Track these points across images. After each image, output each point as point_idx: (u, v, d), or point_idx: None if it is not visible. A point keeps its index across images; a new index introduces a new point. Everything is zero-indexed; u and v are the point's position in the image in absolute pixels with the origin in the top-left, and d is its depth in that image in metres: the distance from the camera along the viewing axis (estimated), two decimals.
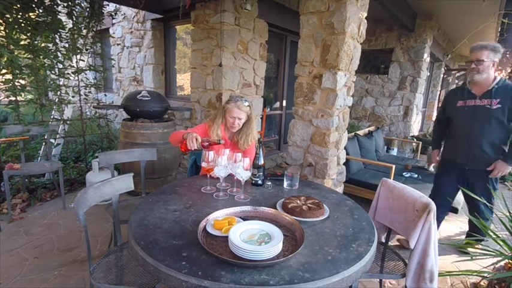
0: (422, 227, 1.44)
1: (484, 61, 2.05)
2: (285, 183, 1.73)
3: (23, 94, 3.25)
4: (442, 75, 8.34)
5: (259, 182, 1.71)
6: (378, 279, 1.99)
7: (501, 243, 1.89)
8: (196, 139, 1.68)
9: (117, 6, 4.54)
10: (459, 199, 3.04)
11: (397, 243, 2.59)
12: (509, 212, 1.98)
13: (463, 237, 2.81)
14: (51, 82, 3.51)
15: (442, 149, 2.56)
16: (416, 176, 3.59)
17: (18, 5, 2.99)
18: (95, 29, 3.86)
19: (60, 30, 3.41)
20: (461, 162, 2.31)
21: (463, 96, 2.22)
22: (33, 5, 3.15)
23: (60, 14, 3.42)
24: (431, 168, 3.42)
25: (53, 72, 3.47)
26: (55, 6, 3.33)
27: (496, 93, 2.08)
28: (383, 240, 1.75)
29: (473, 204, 2.32)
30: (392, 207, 1.67)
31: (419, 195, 1.54)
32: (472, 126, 2.20)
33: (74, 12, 3.52)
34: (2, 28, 2.96)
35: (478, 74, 2.08)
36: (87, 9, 3.69)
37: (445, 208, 2.49)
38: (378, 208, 1.75)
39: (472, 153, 2.22)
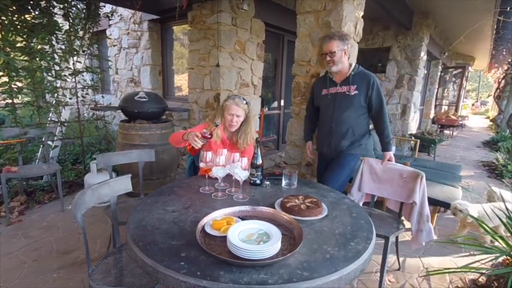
0: (419, 189, 1.98)
1: (336, 52, 2.01)
2: (284, 183, 1.73)
3: (19, 96, 3.23)
4: (439, 73, 8.37)
5: (258, 181, 1.71)
6: (378, 278, 2.00)
7: (499, 239, 1.90)
8: (197, 136, 1.68)
9: (114, 7, 4.54)
10: (458, 197, 3.05)
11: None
12: (507, 209, 1.99)
13: (462, 234, 2.82)
14: (48, 84, 3.50)
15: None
16: None
17: (14, 7, 2.98)
18: (91, 31, 3.85)
19: (56, 32, 3.39)
20: (326, 152, 2.28)
21: (326, 85, 2.20)
22: (29, 7, 3.13)
23: (56, 15, 3.41)
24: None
25: (49, 74, 3.45)
26: (51, 8, 3.31)
27: (353, 79, 2.08)
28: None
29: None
30: (376, 179, 2.17)
31: (402, 167, 2.10)
32: (333, 114, 2.16)
33: (70, 13, 3.51)
34: None
35: (334, 65, 2.05)
36: (84, 11, 3.68)
37: None
38: (362, 182, 2.20)
39: (334, 141, 2.20)
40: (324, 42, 2.07)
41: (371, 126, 2.27)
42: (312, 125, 2.44)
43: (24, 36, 3.12)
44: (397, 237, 2.26)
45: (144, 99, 3.21)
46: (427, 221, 2.04)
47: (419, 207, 2.02)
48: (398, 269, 2.25)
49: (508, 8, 3.72)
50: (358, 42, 2.63)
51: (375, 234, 1.23)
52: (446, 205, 2.69)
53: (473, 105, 21.75)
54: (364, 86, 2.06)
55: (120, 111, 3.36)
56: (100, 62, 5.04)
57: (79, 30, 3.71)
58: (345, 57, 2.07)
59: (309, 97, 2.42)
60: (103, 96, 4.73)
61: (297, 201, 1.41)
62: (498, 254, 1.85)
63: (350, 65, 2.13)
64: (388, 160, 2.15)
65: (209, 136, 1.70)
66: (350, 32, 2.43)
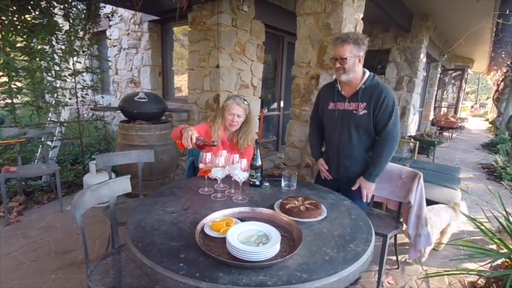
0: (417, 189, 1.97)
1: (348, 59, 1.67)
2: (283, 184, 1.73)
3: (19, 96, 3.23)
4: (438, 75, 8.39)
5: (257, 183, 1.71)
6: (376, 280, 2.00)
7: (498, 242, 1.91)
8: (191, 138, 1.66)
9: (114, 8, 4.54)
10: (457, 199, 3.05)
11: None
12: (506, 211, 2.00)
13: (462, 236, 2.83)
14: (48, 84, 3.49)
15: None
16: None
17: (14, 7, 2.98)
18: (91, 31, 3.85)
19: (56, 32, 3.39)
20: (336, 176, 1.92)
21: (334, 98, 1.84)
22: (30, 7, 3.13)
23: (56, 16, 3.41)
24: None
25: (49, 74, 3.45)
26: (51, 8, 3.31)
27: (363, 95, 1.72)
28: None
29: None
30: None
31: (400, 167, 2.10)
32: (341, 135, 1.81)
33: (70, 14, 3.51)
34: None
35: (344, 73, 1.71)
36: (84, 11, 3.68)
37: None
38: None
39: (343, 166, 1.86)
40: (335, 45, 1.73)
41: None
42: (320, 138, 2.05)
43: (24, 37, 3.12)
44: (395, 238, 2.28)
45: (143, 100, 3.21)
46: (426, 225, 2.01)
47: (417, 209, 2.00)
48: (398, 268, 2.27)
49: (507, 11, 3.74)
50: None
51: (374, 235, 1.23)
52: None
53: (472, 107, 21.81)
54: (372, 103, 1.69)
55: (119, 111, 3.36)
56: (100, 63, 5.04)
57: (79, 30, 3.71)
58: (359, 66, 1.72)
59: (314, 104, 2.06)
60: (103, 97, 4.73)
61: (296, 202, 1.41)
62: (497, 257, 1.86)
63: (364, 73, 1.77)
64: (360, 191, 1.79)
65: (201, 144, 1.68)
66: None
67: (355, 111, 1.74)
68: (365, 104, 1.71)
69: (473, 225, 2.10)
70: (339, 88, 1.81)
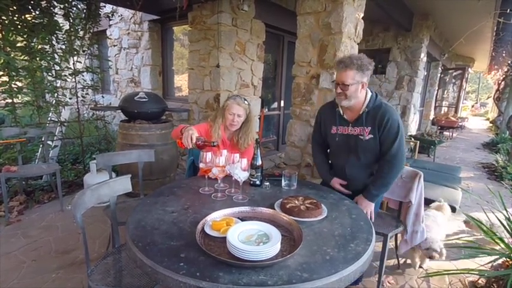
0: (417, 189, 1.99)
1: (350, 85, 1.60)
2: (283, 183, 1.73)
3: (19, 96, 3.24)
4: (439, 75, 8.38)
5: (257, 182, 1.71)
6: (376, 280, 2.00)
7: (498, 241, 1.90)
8: (192, 138, 1.66)
9: (114, 7, 4.54)
10: (457, 198, 3.05)
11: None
12: (506, 211, 1.99)
13: (461, 235, 2.82)
14: (48, 84, 3.50)
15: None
16: None
17: (15, 7, 2.98)
18: (91, 31, 3.85)
19: (56, 31, 3.40)
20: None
21: (335, 121, 1.79)
22: (30, 7, 3.14)
23: (56, 15, 3.41)
24: None
25: (49, 74, 3.45)
26: (52, 8, 3.32)
27: (367, 118, 1.67)
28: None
29: None
30: None
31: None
32: (347, 159, 1.79)
33: (70, 13, 3.51)
34: None
35: (346, 99, 1.65)
36: (84, 11, 3.68)
37: None
38: None
39: (350, 186, 1.85)
40: (338, 69, 1.65)
41: None
42: (326, 158, 1.99)
43: (25, 36, 3.13)
44: (396, 237, 2.27)
45: (144, 100, 3.21)
46: (422, 221, 2.05)
47: (416, 207, 2.02)
48: (398, 268, 2.28)
49: (508, 10, 3.73)
50: (358, 44, 2.63)
51: (375, 234, 1.23)
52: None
53: (473, 106, 21.81)
54: (377, 125, 1.65)
55: (120, 111, 3.36)
56: (100, 62, 5.04)
57: (79, 30, 3.71)
58: (362, 91, 1.65)
59: (315, 125, 1.99)
60: (103, 96, 4.73)
61: (296, 202, 1.41)
62: (498, 256, 1.85)
63: (366, 94, 1.69)
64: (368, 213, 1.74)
65: (201, 144, 1.68)
66: (350, 33, 2.43)
67: (360, 136, 1.69)
68: (370, 128, 1.66)
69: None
70: (341, 112, 1.76)
